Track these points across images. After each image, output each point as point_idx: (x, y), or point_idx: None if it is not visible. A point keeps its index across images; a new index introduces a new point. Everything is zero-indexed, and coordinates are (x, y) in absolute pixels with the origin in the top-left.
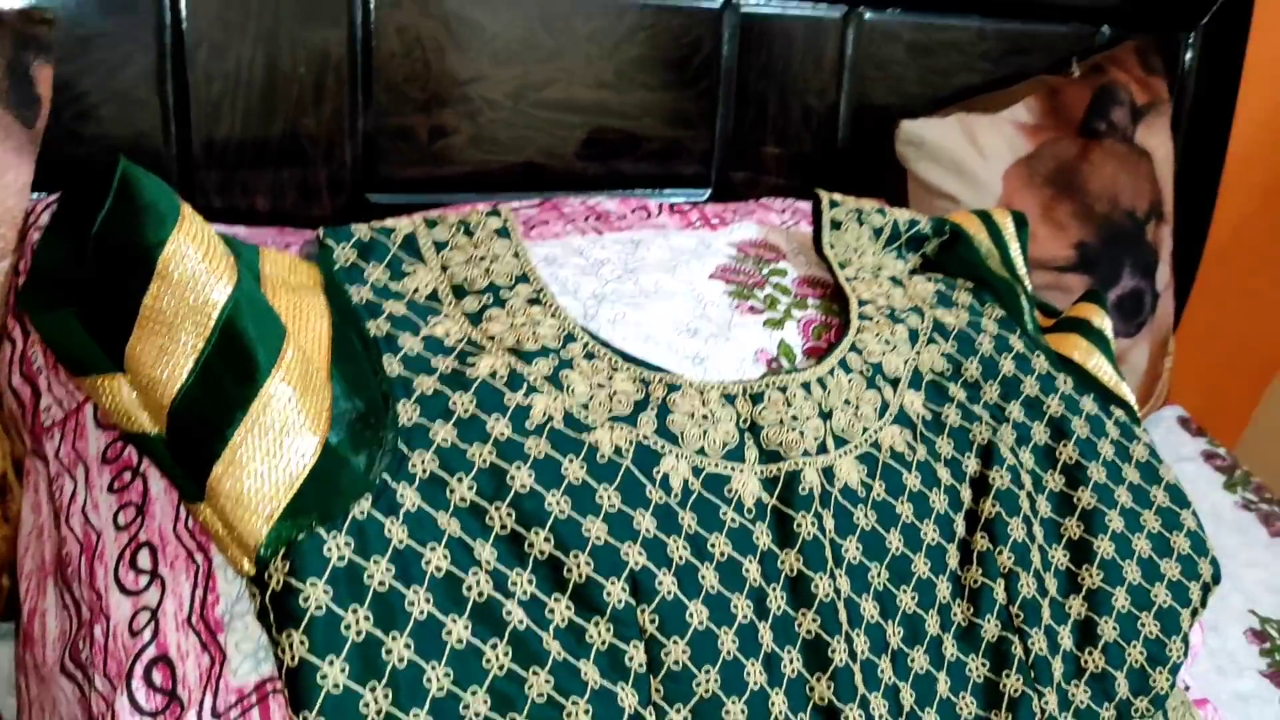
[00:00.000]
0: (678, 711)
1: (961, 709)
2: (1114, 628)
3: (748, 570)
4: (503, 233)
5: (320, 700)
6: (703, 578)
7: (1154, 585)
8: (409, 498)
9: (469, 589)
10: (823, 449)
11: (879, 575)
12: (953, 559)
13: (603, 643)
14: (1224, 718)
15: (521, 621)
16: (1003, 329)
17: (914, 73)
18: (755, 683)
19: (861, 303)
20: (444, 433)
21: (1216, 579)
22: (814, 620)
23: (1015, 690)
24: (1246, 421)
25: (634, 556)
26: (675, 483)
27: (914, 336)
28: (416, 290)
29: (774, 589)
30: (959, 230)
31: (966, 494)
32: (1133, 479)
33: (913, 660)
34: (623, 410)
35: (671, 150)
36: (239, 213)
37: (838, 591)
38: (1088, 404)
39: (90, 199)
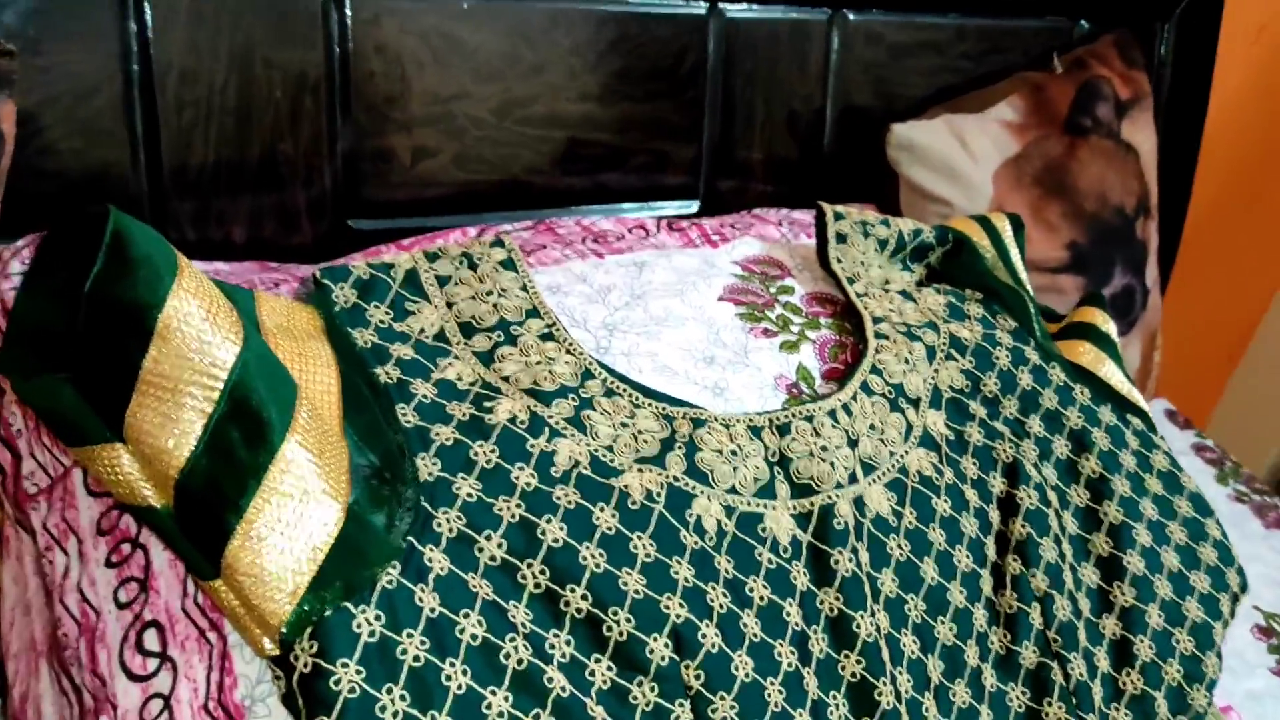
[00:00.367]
0: None
1: None
2: (1150, 646)
3: (788, 614)
4: (508, 264)
5: None
6: (744, 625)
7: (1185, 600)
8: (437, 561)
9: (507, 656)
10: (853, 479)
11: (916, 607)
12: (986, 584)
13: (648, 704)
14: None
15: (564, 689)
16: (1017, 341)
17: (896, 74)
18: None
19: (876, 320)
20: (468, 487)
21: (1244, 588)
22: (858, 662)
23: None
24: (1214, 404)
25: (675, 609)
26: (709, 525)
27: (931, 353)
28: (423, 330)
29: (815, 631)
30: (963, 238)
31: (995, 515)
32: (1156, 490)
33: (954, 695)
34: (649, 450)
35: (658, 162)
36: (214, 245)
37: (878, 629)
38: (1106, 414)
39: (73, 249)
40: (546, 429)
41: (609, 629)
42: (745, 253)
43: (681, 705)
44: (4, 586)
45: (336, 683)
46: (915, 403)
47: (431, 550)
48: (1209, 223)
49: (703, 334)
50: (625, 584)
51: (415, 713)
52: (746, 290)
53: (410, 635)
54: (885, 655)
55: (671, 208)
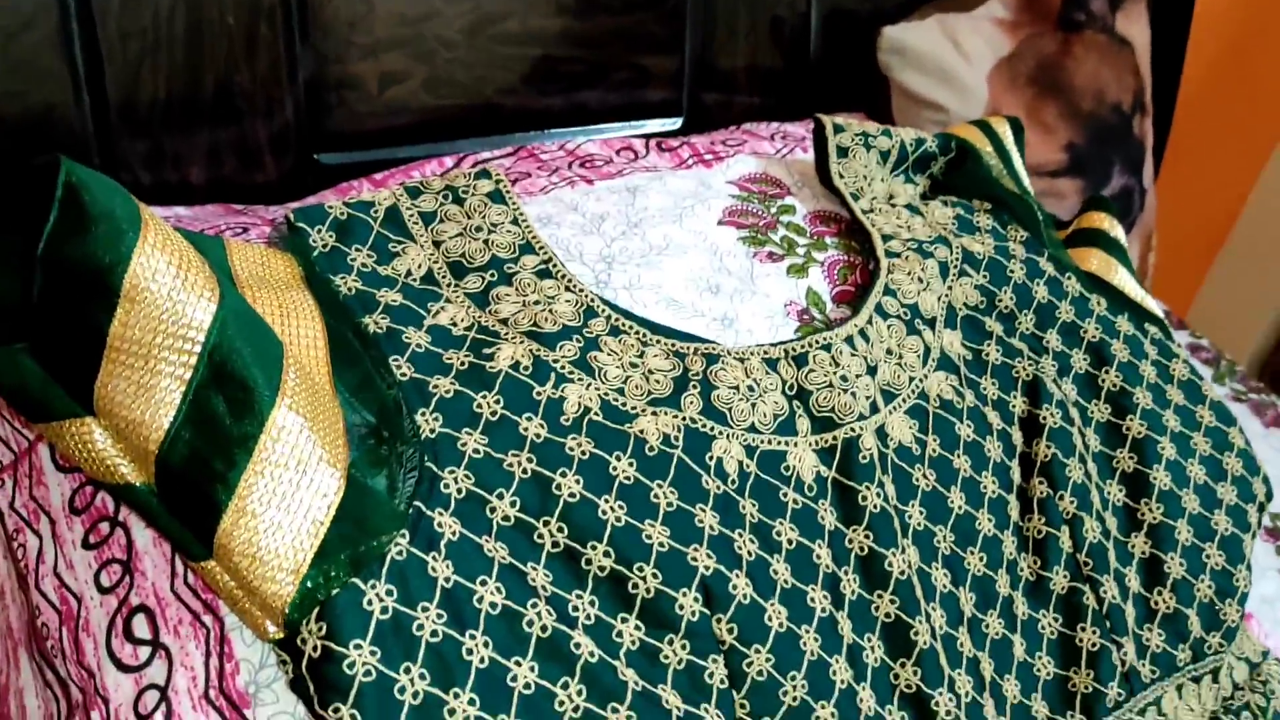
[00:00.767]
0: None
1: (1039, 670)
2: (1180, 563)
3: (818, 556)
4: (496, 197)
5: None
6: (775, 573)
7: (1213, 513)
8: (448, 525)
9: (530, 624)
10: (874, 408)
11: (945, 539)
12: (1014, 510)
13: (680, 662)
14: (1266, 630)
15: (592, 653)
16: (1030, 252)
17: None
18: (842, 680)
19: (885, 238)
20: (474, 442)
21: (1270, 496)
22: (891, 601)
23: (1093, 644)
24: (1193, 296)
25: (702, 560)
26: (730, 467)
27: (944, 270)
28: (409, 273)
29: (846, 572)
30: (967, 146)
31: (1018, 437)
32: (1178, 400)
33: (987, 626)
34: (662, 391)
35: (639, 77)
36: (171, 188)
37: (909, 564)
38: (1123, 324)
39: (23, 205)
40: (552, 374)
41: (634, 586)
42: (740, 171)
43: (715, 661)
44: None
45: (350, 666)
46: (931, 323)
47: (440, 514)
48: (1188, 115)
49: (705, 262)
50: (649, 537)
51: (437, 691)
52: (746, 212)
53: (425, 609)
54: (919, 592)
55: (654, 126)
